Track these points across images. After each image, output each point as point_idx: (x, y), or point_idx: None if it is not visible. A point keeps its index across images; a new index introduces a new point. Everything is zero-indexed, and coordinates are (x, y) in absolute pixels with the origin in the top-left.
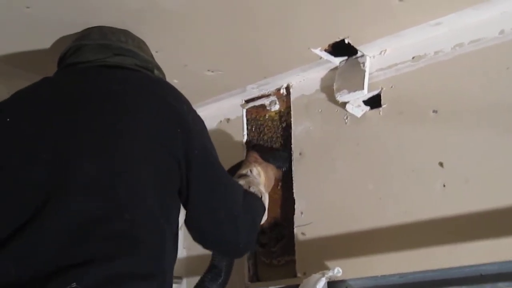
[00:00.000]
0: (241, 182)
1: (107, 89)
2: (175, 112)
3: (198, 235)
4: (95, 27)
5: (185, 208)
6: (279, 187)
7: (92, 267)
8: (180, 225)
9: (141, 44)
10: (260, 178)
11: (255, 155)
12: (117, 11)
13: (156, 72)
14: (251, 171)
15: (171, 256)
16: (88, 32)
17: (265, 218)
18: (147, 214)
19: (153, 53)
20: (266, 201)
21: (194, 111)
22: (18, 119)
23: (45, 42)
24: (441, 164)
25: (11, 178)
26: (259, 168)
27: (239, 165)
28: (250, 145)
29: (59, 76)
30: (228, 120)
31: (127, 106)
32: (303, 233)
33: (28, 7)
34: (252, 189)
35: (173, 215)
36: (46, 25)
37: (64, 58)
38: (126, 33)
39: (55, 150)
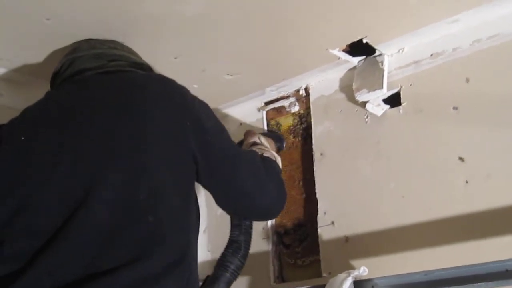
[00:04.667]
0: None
1: (116, 95)
2: (183, 107)
3: (232, 210)
4: (81, 40)
5: (213, 191)
6: (301, 185)
7: (121, 272)
8: (204, 228)
9: (129, 49)
10: (269, 145)
11: (253, 130)
12: (136, 19)
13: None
14: (259, 138)
15: (195, 246)
16: (77, 46)
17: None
18: (170, 213)
19: (172, 59)
20: (280, 163)
21: (196, 98)
22: (33, 136)
23: (64, 53)
24: (462, 160)
25: (35, 194)
26: (263, 137)
27: (241, 142)
28: None
29: (63, 90)
30: (248, 123)
31: (139, 110)
32: (326, 233)
33: (48, 19)
34: (266, 154)
35: (192, 205)
36: (65, 36)
37: (59, 73)
38: (113, 41)
39: (75, 163)
